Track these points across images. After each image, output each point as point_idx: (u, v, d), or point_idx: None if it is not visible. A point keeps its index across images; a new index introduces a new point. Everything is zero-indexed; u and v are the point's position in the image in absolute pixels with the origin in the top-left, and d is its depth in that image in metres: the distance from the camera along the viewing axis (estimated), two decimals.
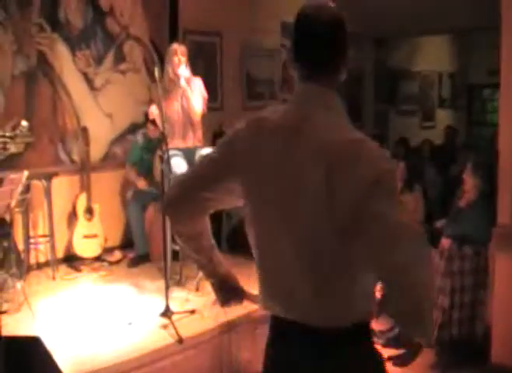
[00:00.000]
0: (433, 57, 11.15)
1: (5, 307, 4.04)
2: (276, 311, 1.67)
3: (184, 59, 4.74)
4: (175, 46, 4.84)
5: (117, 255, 5.51)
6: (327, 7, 1.58)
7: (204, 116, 4.91)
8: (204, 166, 1.77)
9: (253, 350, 4.03)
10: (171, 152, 4.59)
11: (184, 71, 4.69)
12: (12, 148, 4.66)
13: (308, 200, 1.49)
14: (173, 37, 6.05)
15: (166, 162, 4.19)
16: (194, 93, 4.77)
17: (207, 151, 4.35)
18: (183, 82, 4.66)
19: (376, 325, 2.19)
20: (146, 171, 5.49)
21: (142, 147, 5.53)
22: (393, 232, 1.44)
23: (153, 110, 4.82)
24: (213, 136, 6.33)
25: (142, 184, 5.46)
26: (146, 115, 5.40)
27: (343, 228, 1.46)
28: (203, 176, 1.74)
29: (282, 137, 1.56)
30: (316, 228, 1.50)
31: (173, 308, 3.93)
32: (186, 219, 1.80)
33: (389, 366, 2.65)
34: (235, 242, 5.83)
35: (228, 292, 1.94)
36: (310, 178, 1.49)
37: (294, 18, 1.59)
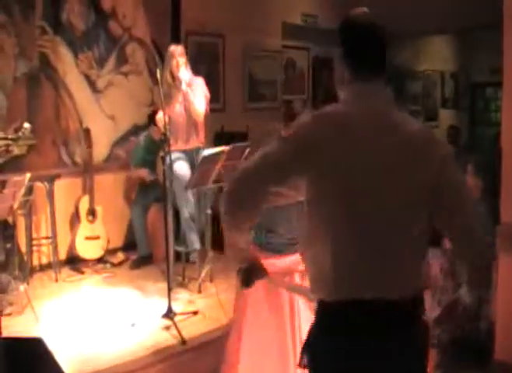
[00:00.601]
0: (435, 56, 11.14)
1: (8, 310, 4.05)
2: (354, 294, 1.71)
3: (183, 60, 4.72)
4: (172, 48, 4.82)
5: (120, 256, 5.51)
6: (374, 16, 1.84)
7: (206, 117, 4.92)
8: (270, 161, 1.76)
9: None
10: (174, 155, 4.60)
11: (184, 73, 4.67)
12: (15, 151, 4.67)
13: (402, 184, 1.72)
14: (176, 39, 6.06)
15: (168, 164, 4.19)
16: (197, 94, 4.76)
17: (209, 152, 4.36)
18: (184, 87, 4.65)
19: None
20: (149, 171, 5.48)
21: (145, 148, 5.53)
22: (465, 196, 1.81)
23: (161, 116, 4.82)
24: (215, 137, 6.34)
25: (144, 173, 5.43)
26: (149, 116, 5.42)
27: (427, 203, 1.75)
28: (271, 170, 1.75)
29: (369, 133, 1.71)
30: (408, 209, 1.73)
31: (175, 309, 3.94)
32: (248, 211, 1.82)
33: None
34: None
35: (255, 273, 2.07)
36: (402, 165, 1.72)
37: (344, 26, 1.83)
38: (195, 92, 4.74)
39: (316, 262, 1.77)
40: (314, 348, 1.78)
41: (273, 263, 2.65)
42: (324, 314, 1.76)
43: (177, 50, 4.76)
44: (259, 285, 2.37)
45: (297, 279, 2.84)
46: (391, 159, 1.71)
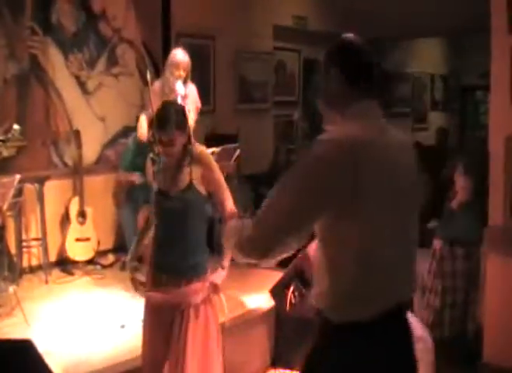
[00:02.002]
0: (425, 59, 11.20)
1: None
2: (388, 302, 1.79)
3: (184, 74, 4.64)
4: (179, 58, 4.65)
5: (110, 258, 5.50)
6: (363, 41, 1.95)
7: (195, 122, 4.91)
8: (292, 214, 1.75)
9: (245, 352, 4.05)
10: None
11: (180, 88, 4.56)
12: (4, 152, 4.67)
13: (412, 197, 1.88)
14: (167, 40, 6.06)
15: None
16: (188, 104, 4.68)
17: None
18: (180, 100, 4.60)
19: None
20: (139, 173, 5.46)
21: (134, 151, 5.51)
22: None
23: (143, 119, 4.82)
24: (205, 138, 6.33)
25: (135, 177, 5.39)
26: (137, 119, 5.40)
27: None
28: (294, 226, 1.77)
29: (385, 153, 1.80)
30: (415, 216, 1.91)
31: None
32: (274, 258, 1.87)
33: None
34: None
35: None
36: (411, 178, 1.89)
37: (346, 48, 1.92)
38: (188, 103, 4.67)
39: (340, 284, 1.79)
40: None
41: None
42: (355, 333, 1.77)
43: (184, 63, 4.64)
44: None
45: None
46: (405, 176, 1.86)
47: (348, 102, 1.85)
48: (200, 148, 2.98)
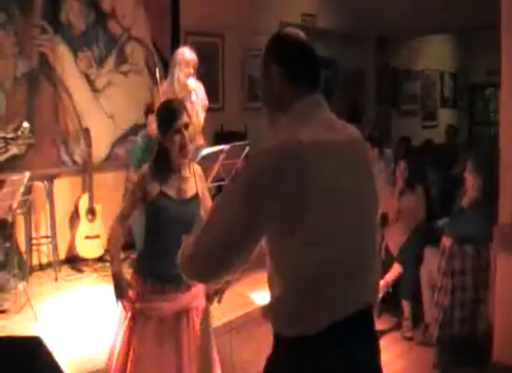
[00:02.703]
0: (434, 56, 11.15)
1: (5, 305, 4.06)
2: (340, 313, 1.66)
3: (193, 72, 4.69)
4: (188, 57, 4.70)
5: None
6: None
7: (204, 118, 4.92)
8: (234, 228, 1.61)
9: (253, 351, 4.04)
10: None
11: (192, 82, 4.66)
12: (14, 150, 4.71)
13: (367, 196, 1.75)
14: (175, 39, 6.07)
15: None
16: (197, 103, 4.73)
17: (208, 151, 4.36)
18: (194, 97, 4.63)
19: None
20: None
21: (143, 148, 5.52)
22: None
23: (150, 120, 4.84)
24: (214, 136, 6.34)
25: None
26: (145, 112, 5.41)
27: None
28: (237, 241, 1.63)
29: (334, 152, 1.67)
30: (372, 216, 1.79)
31: None
32: (220, 277, 1.79)
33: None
34: None
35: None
36: (364, 175, 1.75)
37: (278, 44, 1.80)
38: (197, 105, 4.72)
39: (290, 297, 1.67)
40: None
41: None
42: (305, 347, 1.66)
43: (193, 61, 4.69)
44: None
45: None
46: (356, 175, 1.70)
47: (291, 100, 1.71)
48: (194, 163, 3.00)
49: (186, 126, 2.74)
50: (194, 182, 2.85)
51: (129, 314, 2.79)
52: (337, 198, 1.62)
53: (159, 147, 2.83)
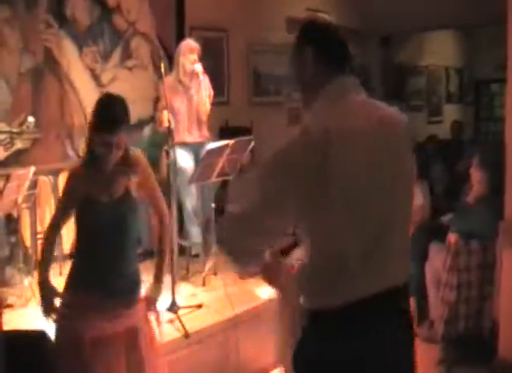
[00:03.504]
0: (439, 52, 11.11)
1: (11, 300, 4.06)
2: (365, 292, 1.70)
3: (197, 60, 4.79)
4: (192, 44, 4.83)
5: None
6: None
7: (211, 111, 4.94)
8: (266, 205, 1.72)
9: (259, 345, 4.05)
10: (177, 148, 4.62)
11: (199, 66, 4.75)
12: (19, 144, 4.71)
13: (402, 172, 1.81)
14: (180, 33, 6.06)
15: (172, 159, 4.20)
16: (203, 94, 4.82)
17: (213, 145, 4.36)
18: (202, 77, 4.72)
19: None
20: (152, 165, 5.47)
21: (149, 141, 5.53)
22: None
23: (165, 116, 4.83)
24: (219, 131, 6.34)
25: None
26: (155, 104, 5.46)
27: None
28: (271, 216, 1.73)
29: (373, 134, 1.72)
30: (406, 197, 1.84)
31: (179, 302, 3.94)
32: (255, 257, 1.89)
33: None
34: None
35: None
36: (398, 156, 1.79)
37: (314, 27, 1.86)
38: (203, 95, 4.81)
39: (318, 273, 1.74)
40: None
41: None
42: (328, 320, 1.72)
43: (197, 48, 4.80)
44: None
45: None
46: (390, 156, 1.74)
47: (323, 81, 1.78)
48: (137, 152, 2.69)
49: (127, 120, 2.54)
50: (127, 177, 2.56)
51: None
52: (360, 179, 1.67)
53: (90, 141, 2.51)
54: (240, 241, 1.80)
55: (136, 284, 2.63)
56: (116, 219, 2.50)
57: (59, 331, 2.53)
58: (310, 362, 1.76)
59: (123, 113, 2.53)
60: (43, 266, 2.59)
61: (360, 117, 1.73)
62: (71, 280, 2.57)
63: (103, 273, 2.50)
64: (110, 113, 2.48)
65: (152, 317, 2.76)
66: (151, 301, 2.71)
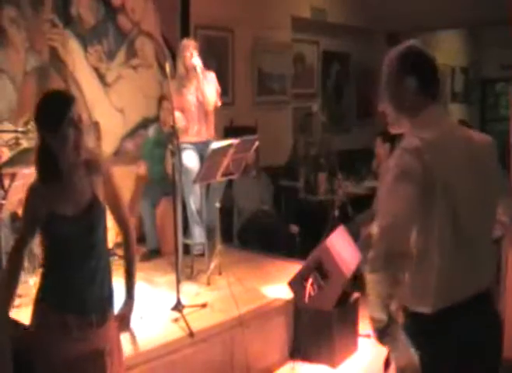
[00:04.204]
0: (445, 51, 11.07)
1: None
2: (457, 295, 1.94)
3: (195, 52, 4.81)
4: (186, 41, 4.92)
5: None
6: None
7: (215, 111, 4.95)
8: (406, 211, 1.89)
9: (263, 344, 4.05)
10: (183, 147, 4.63)
11: (197, 60, 4.78)
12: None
13: (488, 192, 2.02)
14: (185, 33, 6.07)
15: (177, 158, 4.20)
16: (209, 85, 4.85)
17: (217, 145, 4.36)
18: (199, 70, 4.74)
19: None
20: (158, 165, 5.49)
21: (154, 140, 5.54)
22: None
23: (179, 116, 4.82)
24: (224, 131, 6.34)
25: (142, 168, 5.48)
26: (159, 103, 5.48)
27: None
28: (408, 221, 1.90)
29: (463, 149, 1.98)
30: (492, 210, 2.09)
31: (184, 301, 3.94)
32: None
33: None
34: (245, 238, 5.86)
35: None
36: (489, 166, 2.04)
37: (414, 58, 2.04)
38: (208, 83, 4.82)
39: (420, 277, 1.95)
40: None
41: None
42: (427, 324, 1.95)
43: (191, 44, 4.87)
44: None
45: None
46: (478, 172, 1.98)
47: (420, 107, 2.00)
48: (97, 153, 2.49)
49: (80, 119, 2.27)
50: (91, 184, 2.33)
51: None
52: (461, 189, 1.92)
53: (41, 148, 2.24)
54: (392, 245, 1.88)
55: (108, 300, 2.44)
56: (84, 232, 2.30)
57: (31, 351, 2.32)
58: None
59: (64, 108, 2.21)
60: (5, 295, 2.33)
61: (453, 138, 1.99)
62: (39, 299, 2.35)
63: (73, 291, 2.30)
64: (49, 109, 2.22)
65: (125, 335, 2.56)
66: (123, 321, 2.50)
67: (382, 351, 2.19)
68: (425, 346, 1.92)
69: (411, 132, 2.00)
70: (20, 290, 4.12)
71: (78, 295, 2.30)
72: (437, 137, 1.94)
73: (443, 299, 1.92)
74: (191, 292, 4.35)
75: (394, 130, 2.10)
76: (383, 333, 1.90)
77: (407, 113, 2.02)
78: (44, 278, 2.38)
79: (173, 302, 3.92)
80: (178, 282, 3.95)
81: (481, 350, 1.99)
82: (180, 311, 3.84)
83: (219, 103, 4.98)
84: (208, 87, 4.84)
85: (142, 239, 5.56)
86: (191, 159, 4.81)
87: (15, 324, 2.39)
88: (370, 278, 1.88)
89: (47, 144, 2.21)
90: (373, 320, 1.91)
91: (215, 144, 4.40)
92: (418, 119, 2.00)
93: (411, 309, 1.98)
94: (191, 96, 4.86)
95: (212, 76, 4.97)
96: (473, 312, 1.96)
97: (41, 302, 2.33)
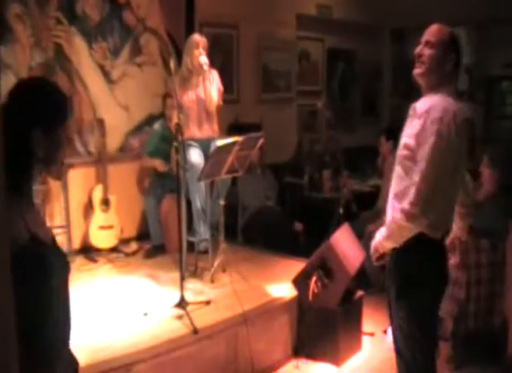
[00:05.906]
0: None
1: None
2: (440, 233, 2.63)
3: (204, 52, 4.77)
4: (197, 38, 4.83)
5: (133, 246, 5.54)
6: None
7: (219, 109, 4.94)
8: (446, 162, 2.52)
9: (267, 342, 4.05)
10: (188, 144, 4.63)
11: (205, 58, 4.74)
12: None
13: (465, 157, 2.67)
14: (190, 30, 6.06)
15: (182, 155, 4.20)
16: (212, 84, 4.82)
17: (222, 142, 4.36)
18: (206, 68, 4.71)
19: None
20: (163, 160, 5.47)
21: (160, 136, 5.54)
22: None
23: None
24: (229, 128, 6.34)
25: (157, 164, 5.46)
26: (164, 100, 5.48)
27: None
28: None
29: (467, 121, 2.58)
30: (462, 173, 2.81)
31: (188, 298, 3.95)
32: None
33: None
34: (250, 236, 5.86)
35: None
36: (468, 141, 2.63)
37: (457, 40, 2.73)
38: (211, 82, 4.80)
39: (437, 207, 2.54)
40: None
41: None
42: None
43: (202, 41, 4.79)
44: None
45: None
46: (466, 139, 2.58)
47: (448, 81, 2.60)
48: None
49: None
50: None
51: None
52: (460, 150, 2.58)
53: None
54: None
55: None
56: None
57: None
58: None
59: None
60: None
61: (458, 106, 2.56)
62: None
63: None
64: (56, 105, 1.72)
65: None
66: None
67: (386, 350, 2.19)
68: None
69: (442, 102, 2.53)
70: None
71: None
72: (454, 108, 2.54)
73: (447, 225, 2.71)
74: (195, 289, 4.35)
75: (426, 94, 2.62)
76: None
77: (439, 82, 2.57)
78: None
79: (177, 299, 3.93)
80: (182, 279, 3.96)
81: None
82: (184, 308, 3.85)
83: (221, 103, 4.94)
84: (212, 87, 4.81)
85: (146, 236, 5.58)
86: (194, 156, 4.80)
87: None
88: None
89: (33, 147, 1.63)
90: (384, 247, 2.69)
91: (220, 142, 4.39)
92: (444, 91, 2.59)
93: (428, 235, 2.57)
94: (192, 93, 4.84)
95: (214, 75, 4.93)
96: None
97: None
